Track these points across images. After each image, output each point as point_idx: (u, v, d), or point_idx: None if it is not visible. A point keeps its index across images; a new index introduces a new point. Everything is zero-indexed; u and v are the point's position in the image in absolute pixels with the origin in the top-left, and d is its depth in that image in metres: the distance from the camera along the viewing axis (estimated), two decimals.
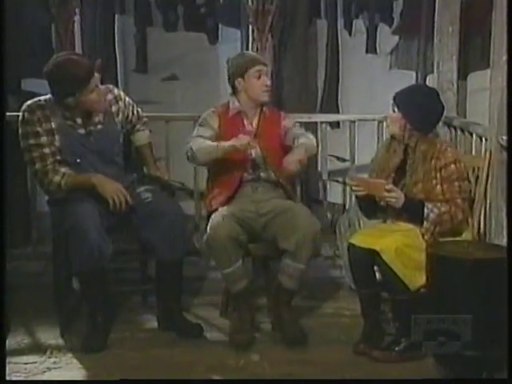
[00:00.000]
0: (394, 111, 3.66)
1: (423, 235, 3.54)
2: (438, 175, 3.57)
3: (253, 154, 3.91)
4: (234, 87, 4.00)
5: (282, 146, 3.95)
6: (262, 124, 3.99)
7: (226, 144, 3.75)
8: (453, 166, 3.57)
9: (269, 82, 3.95)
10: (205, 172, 4.20)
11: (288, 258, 3.77)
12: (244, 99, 3.97)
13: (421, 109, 3.61)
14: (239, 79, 3.94)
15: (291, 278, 3.79)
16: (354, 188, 3.66)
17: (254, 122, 4.00)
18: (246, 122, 3.99)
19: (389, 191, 3.55)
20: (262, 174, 3.96)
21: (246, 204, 3.89)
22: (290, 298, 3.86)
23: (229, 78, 4.01)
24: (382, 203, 3.68)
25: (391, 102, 3.69)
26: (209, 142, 3.83)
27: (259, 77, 3.92)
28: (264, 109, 4.02)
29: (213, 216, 3.81)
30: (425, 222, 3.54)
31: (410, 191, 3.61)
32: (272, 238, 3.84)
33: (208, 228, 3.76)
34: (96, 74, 3.67)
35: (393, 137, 3.74)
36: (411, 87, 3.87)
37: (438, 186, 3.57)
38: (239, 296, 3.83)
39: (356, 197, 3.81)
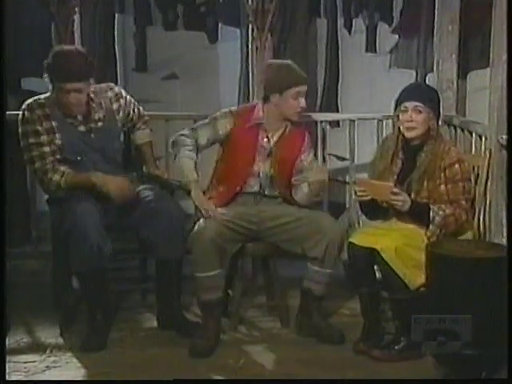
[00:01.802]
0: (419, 111, 3.58)
1: (429, 238, 3.53)
2: (442, 175, 3.57)
3: (261, 174, 3.85)
4: (267, 97, 3.82)
5: (293, 170, 3.88)
6: (281, 144, 3.85)
7: (198, 201, 3.72)
8: (457, 166, 3.57)
9: (304, 105, 3.77)
10: (204, 172, 4.17)
11: (316, 265, 3.75)
12: (271, 111, 3.81)
13: (437, 97, 3.68)
14: (276, 94, 3.75)
15: (320, 284, 3.78)
16: (358, 193, 3.64)
17: (273, 139, 3.85)
18: (261, 136, 3.83)
19: (395, 194, 3.54)
20: (266, 192, 3.90)
21: (249, 208, 3.85)
22: (320, 303, 3.84)
23: (265, 86, 3.83)
24: (385, 205, 3.66)
25: (413, 104, 3.58)
26: (187, 163, 3.74)
27: (297, 97, 3.75)
28: (288, 126, 3.87)
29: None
30: (431, 226, 3.53)
31: (415, 189, 3.60)
32: (288, 243, 3.81)
33: (196, 225, 3.73)
34: (90, 80, 3.67)
35: (388, 139, 3.75)
36: (415, 84, 3.84)
37: (442, 186, 3.57)
38: (207, 306, 3.75)
39: (360, 203, 3.79)
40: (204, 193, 3.87)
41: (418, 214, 3.55)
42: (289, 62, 3.90)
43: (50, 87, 3.70)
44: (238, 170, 3.85)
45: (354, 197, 3.79)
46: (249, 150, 3.83)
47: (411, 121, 3.60)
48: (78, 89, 3.63)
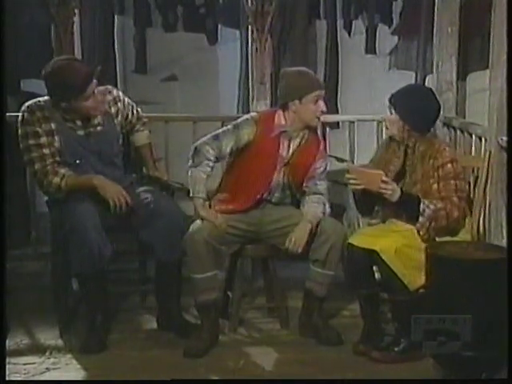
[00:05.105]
0: (391, 113, 3.66)
1: (418, 231, 3.54)
2: (436, 174, 3.58)
3: (273, 182, 3.82)
4: (285, 104, 3.78)
5: (305, 177, 3.86)
6: (297, 153, 3.83)
7: (204, 213, 3.69)
8: (449, 165, 3.57)
9: (324, 108, 3.75)
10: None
11: (318, 266, 3.76)
12: (292, 119, 3.77)
13: (417, 109, 3.61)
14: (296, 101, 3.72)
15: (322, 286, 3.80)
16: (351, 181, 3.64)
17: (292, 149, 3.82)
18: (281, 146, 3.80)
19: (385, 183, 3.54)
20: (273, 199, 3.89)
21: (251, 211, 3.84)
22: (321, 304, 3.86)
23: (282, 94, 3.80)
24: (378, 202, 3.67)
25: (387, 103, 3.68)
26: (203, 180, 3.71)
27: (316, 101, 3.74)
28: (306, 135, 3.84)
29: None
30: (420, 217, 3.53)
31: (409, 189, 3.61)
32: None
33: (190, 228, 3.73)
34: (94, 81, 3.67)
35: (392, 138, 3.74)
36: (406, 88, 3.81)
37: (435, 185, 3.58)
38: (203, 307, 3.76)
39: (353, 194, 3.79)
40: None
41: (408, 205, 3.56)
42: (304, 68, 3.91)
43: (52, 100, 3.70)
44: (259, 178, 3.81)
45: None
46: (270, 158, 3.80)
47: (385, 120, 3.77)
48: (88, 95, 3.64)
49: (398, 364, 3.51)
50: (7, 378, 3.16)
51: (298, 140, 3.83)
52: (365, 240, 3.59)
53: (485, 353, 3.08)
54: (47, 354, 3.68)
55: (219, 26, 6.26)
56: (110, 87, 3.96)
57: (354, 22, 6.08)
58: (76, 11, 4.58)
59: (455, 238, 3.59)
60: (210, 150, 3.74)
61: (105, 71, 5.61)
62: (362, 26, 6.09)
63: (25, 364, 3.57)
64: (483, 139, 3.99)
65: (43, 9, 4.95)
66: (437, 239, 3.56)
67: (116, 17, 6.12)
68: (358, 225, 4.56)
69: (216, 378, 3.48)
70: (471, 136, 4.22)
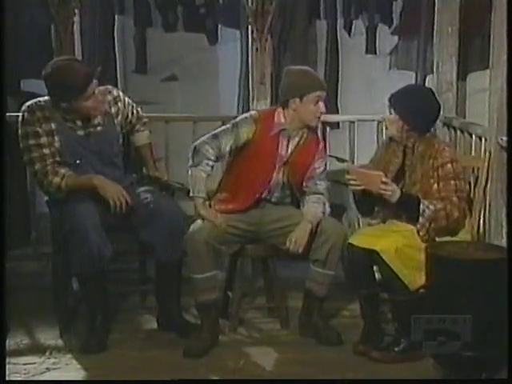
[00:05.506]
0: (390, 113, 3.67)
1: (418, 231, 3.54)
2: (436, 174, 3.57)
3: (272, 181, 3.82)
4: (285, 101, 3.77)
5: (304, 176, 3.86)
6: (297, 152, 3.82)
7: (204, 212, 3.69)
8: (449, 165, 3.57)
9: (324, 110, 3.74)
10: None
11: (318, 266, 3.77)
12: (291, 117, 3.77)
13: (417, 110, 3.61)
14: (296, 99, 3.72)
15: (322, 285, 3.80)
16: (351, 182, 3.64)
17: (291, 147, 3.82)
18: (281, 144, 3.80)
19: (385, 184, 3.55)
20: (273, 199, 3.89)
21: (251, 211, 3.84)
22: (321, 304, 3.86)
23: (283, 91, 3.79)
24: (379, 203, 3.67)
25: (387, 103, 3.68)
26: (203, 179, 3.72)
27: (316, 102, 3.74)
28: (305, 133, 3.84)
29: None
30: (420, 218, 3.54)
31: (409, 189, 3.61)
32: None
33: (190, 228, 3.73)
34: (94, 81, 3.67)
35: (391, 138, 3.75)
36: (406, 88, 3.83)
37: (435, 185, 3.58)
38: (203, 307, 3.76)
39: (353, 193, 3.80)
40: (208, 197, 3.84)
41: (408, 206, 3.56)
42: (308, 68, 3.92)
43: (53, 101, 3.70)
44: (258, 177, 3.81)
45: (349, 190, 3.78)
46: (270, 157, 3.80)
47: (385, 120, 3.79)
48: (88, 95, 3.64)
49: (398, 364, 3.51)
50: (7, 378, 3.16)
51: (296, 139, 3.83)
52: (365, 240, 3.59)
53: (485, 353, 3.08)
54: (47, 354, 3.68)
55: (219, 26, 6.26)
56: (110, 87, 3.95)
57: (354, 21, 6.09)
58: (76, 11, 4.58)
59: (455, 238, 3.59)
60: (209, 150, 3.74)
61: (105, 71, 5.63)
62: (362, 25, 6.09)
63: (25, 364, 3.56)
64: (483, 139, 3.99)
65: (43, 9, 4.95)
66: (437, 239, 3.57)
67: (116, 17, 6.13)
68: (358, 225, 4.56)
69: (216, 378, 3.48)
70: (471, 136, 4.21)
